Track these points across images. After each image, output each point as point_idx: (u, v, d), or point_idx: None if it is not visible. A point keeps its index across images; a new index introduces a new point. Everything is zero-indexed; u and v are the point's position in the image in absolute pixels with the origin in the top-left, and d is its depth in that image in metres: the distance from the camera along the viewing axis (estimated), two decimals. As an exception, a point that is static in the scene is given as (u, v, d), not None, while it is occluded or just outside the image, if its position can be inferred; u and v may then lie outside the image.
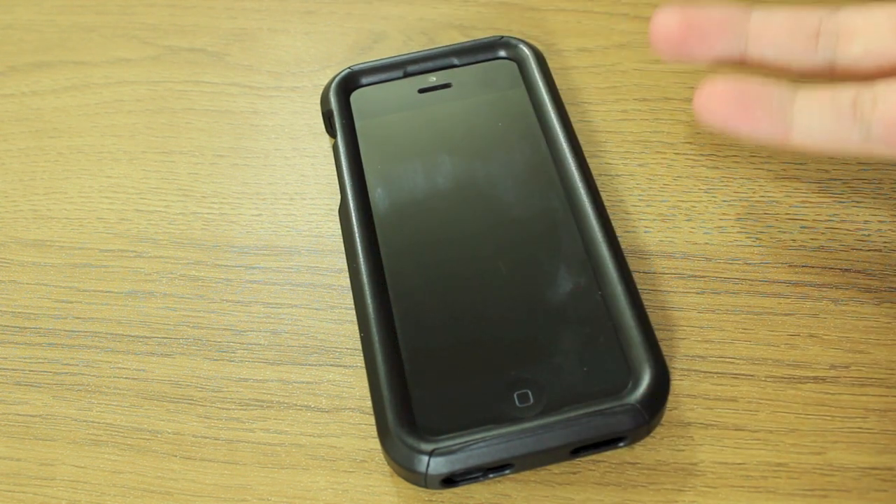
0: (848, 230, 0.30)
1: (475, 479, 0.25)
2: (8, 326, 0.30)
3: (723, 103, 0.24)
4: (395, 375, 0.26)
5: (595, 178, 0.30)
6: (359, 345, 0.28)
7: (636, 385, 0.25)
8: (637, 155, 0.32)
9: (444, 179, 0.31)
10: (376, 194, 0.30)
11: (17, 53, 0.39)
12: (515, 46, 0.34)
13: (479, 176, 0.30)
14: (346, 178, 0.31)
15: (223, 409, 0.28)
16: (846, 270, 0.29)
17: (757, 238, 0.30)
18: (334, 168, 0.32)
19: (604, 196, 0.30)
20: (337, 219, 0.31)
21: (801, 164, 0.32)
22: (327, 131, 0.33)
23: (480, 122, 0.32)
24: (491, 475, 0.25)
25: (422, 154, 0.31)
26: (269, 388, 0.28)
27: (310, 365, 0.29)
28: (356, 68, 0.34)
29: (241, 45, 0.38)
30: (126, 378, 0.29)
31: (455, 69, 0.34)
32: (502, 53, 0.34)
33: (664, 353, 0.26)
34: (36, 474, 0.27)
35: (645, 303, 0.27)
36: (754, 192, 0.31)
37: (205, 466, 0.27)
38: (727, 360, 0.27)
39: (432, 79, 0.33)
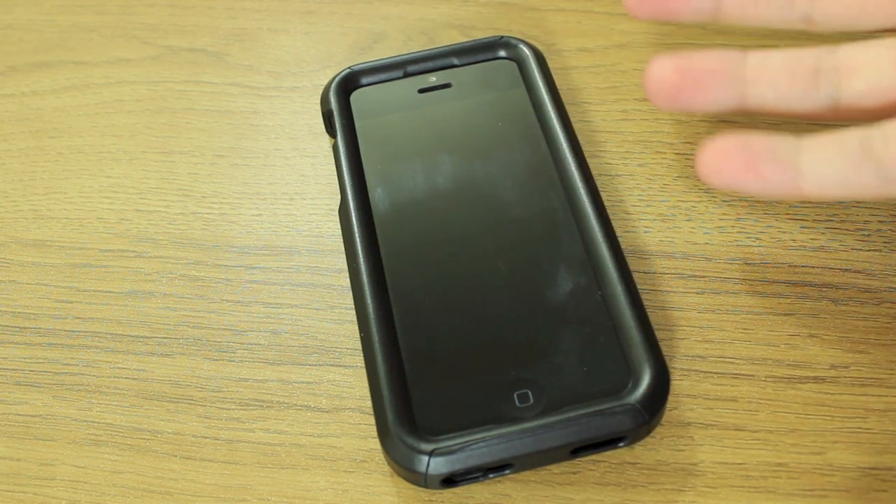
0: (848, 230, 0.30)
1: (475, 479, 0.25)
2: (8, 326, 0.30)
3: (727, 162, 0.23)
4: (395, 375, 0.26)
5: (595, 178, 0.30)
6: (359, 345, 0.28)
7: (636, 385, 0.25)
8: (637, 155, 0.32)
9: (444, 179, 0.31)
10: (376, 194, 0.30)
11: (17, 53, 0.39)
12: (515, 46, 0.34)
13: (479, 176, 0.31)
14: (346, 178, 0.31)
15: (223, 409, 0.28)
16: (846, 270, 0.29)
17: (757, 238, 0.30)
18: (334, 168, 0.32)
19: (604, 196, 0.30)
20: (337, 219, 0.31)
21: (801, 164, 0.32)
22: (327, 131, 0.33)
23: (480, 122, 0.32)
24: (491, 475, 0.25)
25: (422, 154, 0.31)
26: (269, 388, 0.28)
27: (310, 365, 0.29)
28: (356, 68, 0.34)
29: (241, 45, 0.38)
30: (126, 378, 0.29)
31: (455, 69, 0.34)
32: (502, 53, 0.34)
33: (664, 353, 0.26)
34: (36, 474, 0.27)
35: (645, 303, 0.27)
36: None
37: (205, 466, 0.27)
38: (727, 360, 0.27)
39: (432, 79, 0.33)
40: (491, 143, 0.31)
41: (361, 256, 0.28)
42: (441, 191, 0.30)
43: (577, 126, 0.32)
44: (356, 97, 0.33)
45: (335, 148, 0.32)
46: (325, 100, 0.33)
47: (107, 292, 0.31)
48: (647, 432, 0.25)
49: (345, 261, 0.30)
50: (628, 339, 0.26)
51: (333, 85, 0.33)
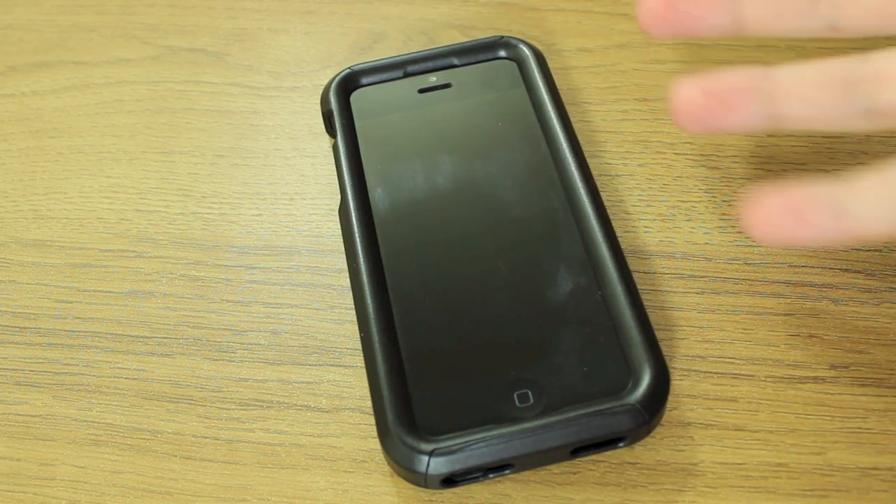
0: (848, 230, 0.30)
1: (475, 479, 0.25)
2: (8, 326, 0.30)
3: (777, 220, 0.23)
4: (395, 375, 0.26)
5: (595, 178, 0.30)
6: (359, 345, 0.28)
7: (636, 385, 0.25)
8: (637, 155, 0.32)
9: (445, 179, 0.31)
10: (376, 194, 0.30)
11: (17, 53, 0.39)
12: (515, 46, 0.34)
13: (479, 176, 0.31)
14: (346, 178, 0.31)
15: (223, 409, 0.28)
16: (846, 270, 0.29)
17: (757, 238, 0.30)
18: (334, 168, 0.32)
19: (604, 196, 0.30)
20: (337, 219, 0.31)
21: (801, 164, 0.32)
22: (327, 131, 0.33)
23: (480, 122, 0.32)
24: (491, 475, 0.25)
25: (422, 154, 0.31)
26: (269, 388, 0.28)
27: (310, 365, 0.29)
28: (356, 68, 0.34)
29: (241, 45, 0.38)
30: (126, 378, 0.29)
31: (455, 69, 0.34)
32: (502, 53, 0.34)
33: (664, 353, 0.26)
34: (36, 474, 0.27)
35: (645, 303, 0.27)
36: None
37: (205, 466, 0.27)
38: (727, 360, 0.27)
39: (432, 79, 0.33)
40: (491, 143, 0.31)
41: (361, 256, 0.28)
42: (441, 191, 0.30)
43: (577, 126, 0.32)
44: (356, 97, 0.33)
45: (335, 148, 0.32)
46: (325, 100, 0.33)
47: (107, 292, 0.31)
48: (647, 432, 0.25)
49: (345, 261, 0.30)
50: (628, 339, 0.26)
51: (333, 85, 0.33)
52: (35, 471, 0.27)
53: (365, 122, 0.32)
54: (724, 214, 0.31)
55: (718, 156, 0.32)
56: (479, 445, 0.24)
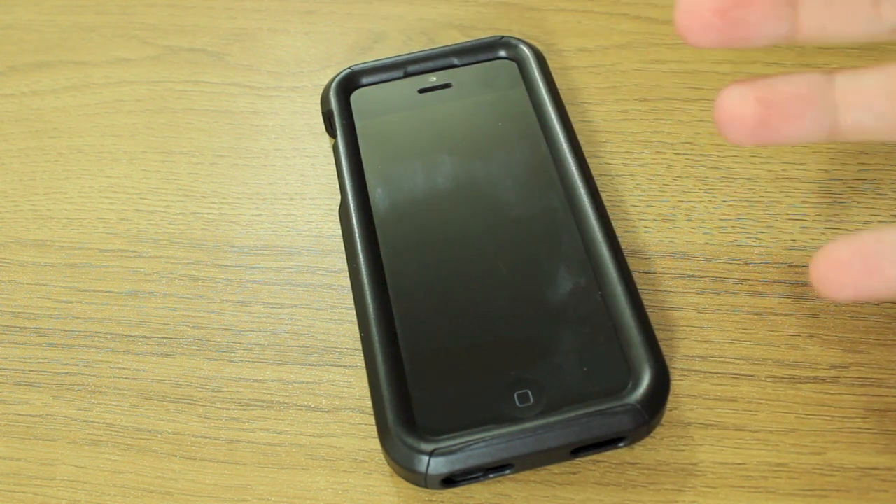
0: (848, 230, 0.30)
1: (475, 479, 0.25)
2: (8, 326, 0.30)
3: (847, 272, 0.21)
4: (395, 375, 0.26)
5: (595, 178, 0.30)
6: (359, 345, 0.28)
7: (636, 385, 0.25)
8: (637, 155, 0.32)
9: (445, 179, 0.31)
10: (376, 194, 0.30)
11: (17, 53, 0.39)
12: (515, 46, 0.34)
13: (479, 176, 0.30)
14: (346, 178, 0.31)
15: (223, 409, 0.28)
16: (846, 270, 0.29)
17: (757, 238, 0.30)
18: (334, 168, 0.32)
19: (604, 196, 0.30)
20: (337, 219, 0.31)
21: (801, 164, 0.32)
22: (327, 131, 0.33)
23: (480, 122, 0.32)
24: (491, 475, 0.25)
25: (422, 154, 0.31)
26: (269, 388, 0.28)
27: (310, 365, 0.29)
28: (356, 68, 0.34)
29: (241, 45, 0.38)
30: (126, 378, 0.29)
31: (455, 69, 0.34)
32: (502, 53, 0.34)
33: (664, 353, 0.26)
34: (36, 474, 0.27)
35: (645, 303, 0.27)
36: (754, 192, 0.31)
37: (205, 466, 0.27)
38: (727, 360, 0.27)
39: (432, 79, 0.33)
40: (491, 143, 0.31)
41: (361, 256, 0.28)
42: (441, 191, 0.30)
43: (577, 126, 0.32)
44: (356, 97, 0.33)
45: (335, 148, 0.32)
46: (325, 100, 0.33)
47: (107, 292, 0.31)
48: (647, 432, 0.25)
49: (345, 261, 0.30)
50: (628, 339, 0.26)
51: (333, 85, 0.33)
52: (35, 471, 0.27)
53: (365, 122, 0.32)
54: (724, 214, 0.31)
55: (718, 156, 0.32)
56: (479, 445, 0.24)
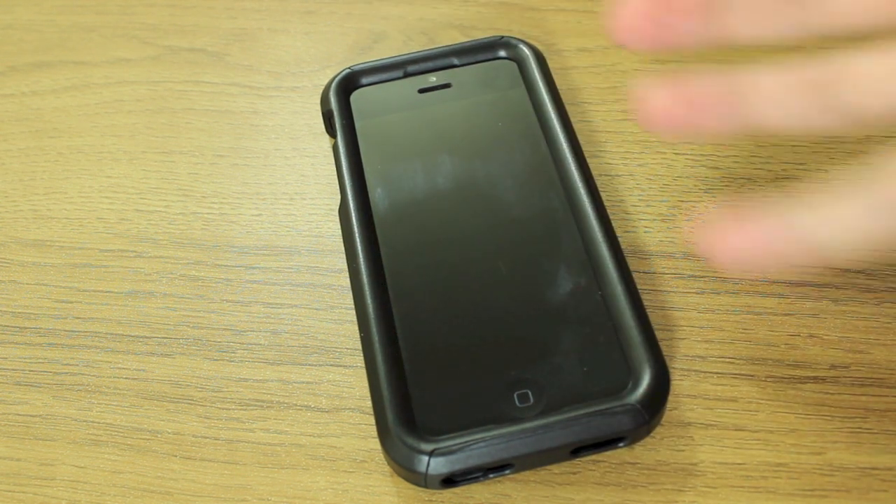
0: (848, 230, 0.30)
1: (475, 479, 0.25)
2: (8, 326, 0.30)
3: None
4: (395, 375, 0.26)
5: (595, 178, 0.30)
6: (359, 345, 0.28)
7: (636, 385, 0.25)
8: (637, 155, 0.32)
9: (445, 179, 0.31)
10: (376, 194, 0.30)
11: (17, 53, 0.39)
12: (515, 46, 0.34)
13: (479, 176, 0.31)
14: (346, 178, 0.31)
15: (223, 409, 0.28)
16: (846, 270, 0.29)
17: (757, 238, 0.30)
18: (334, 168, 0.32)
19: (604, 196, 0.30)
20: (337, 219, 0.31)
21: (800, 164, 0.32)
22: (327, 131, 0.33)
23: (480, 122, 0.32)
24: (491, 475, 0.25)
25: (422, 154, 0.31)
26: (269, 388, 0.28)
27: (310, 365, 0.29)
28: (356, 68, 0.34)
29: (241, 45, 0.38)
30: (126, 378, 0.29)
31: (455, 69, 0.34)
32: (502, 53, 0.34)
33: (664, 353, 0.26)
34: (36, 474, 0.27)
35: (645, 303, 0.27)
36: (754, 192, 0.31)
37: (205, 466, 0.27)
38: (727, 360, 0.27)
39: (432, 79, 0.33)
40: (491, 144, 0.31)
41: (361, 256, 0.28)
42: (441, 191, 0.30)
43: (577, 126, 0.32)
44: (356, 97, 0.33)
45: (335, 148, 0.32)
46: (325, 100, 0.33)
47: (107, 292, 0.31)
48: (647, 432, 0.25)
49: (345, 261, 0.30)
50: (628, 339, 0.26)
51: (333, 85, 0.33)
52: (35, 471, 0.27)
53: (365, 122, 0.32)
54: (724, 214, 0.31)
55: (718, 156, 0.32)
56: (479, 445, 0.24)
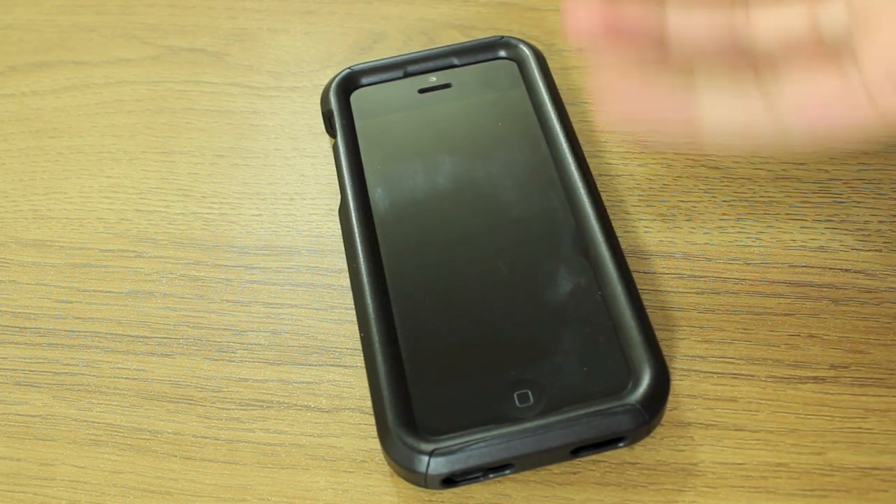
0: (848, 230, 0.30)
1: (475, 479, 0.25)
2: (8, 326, 0.30)
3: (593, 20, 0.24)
4: (395, 375, 0.26)
5: (595, 178, 0.30)
6: (359, 345, 0.28)
7: (636, 385, 0.25)
8: (637, 155, 0.32)
9: (445, 179, 0.31)
10: (376, 194, 0.30)
11: (17, 53, 0.39)
12: (515, 46, 0.34)
13: (479, 176, 0.31)
14: (346, 178, 0.31)
15: (223, 409, 0.28)
16: (846, 270, 0.29)
17: (757, 238, 0.30)
18: (334, 168, 0.32)
19: (604, 196, 0.30)
20: (337, 219, 0.31)
21: (801, 164, 0.32)
22: (327, 131, 0.33)
23: (480, 122, 0.32)
24: (491, 475, 0.25)
25: (422, 154, 0.31)
26: (269, 388, 0.28)
27: (310, 365, 0.29)
28: (356, 68, 0.34)
29: (241, 45, 0.38)
30: (126, 378, 0.29)
31: (455, 69, 0.34)
32: (502, 53, 0.34)
33: (664, 353, 0.26)
34: (36, 474, 0.27)
35: (645, 303, 0.27)
36: (754, 192, 0.31)
37: (205, 466, 0.27)
38: (727, 360, 0.27)
39: (432, 79, 0.33)
40: (491, 144, 0.31)
41: (361, 256, 0.28)
42: (441, 191, 0.30)
43: (577, 126, 0.32)
44: (356, 97, 0.33)
45: (335, 148, 0.32)
46: (325, 100, 0.33)
47: (107, 292, 0.31)
48: (647, 432, 0.25)
49: (345, 261, 0.30)
50: (628, 339, 0.26)
51: (333, 85, 0.33)
52: (35, 471, 0.27)
53: (365, 122, 0.32)
54: (724, 214, 0.31)
55: (718, 156, 0.32)
56: (479, 445, 0.24)
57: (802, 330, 0.28)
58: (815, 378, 0.27)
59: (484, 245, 0.29)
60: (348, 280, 0.29)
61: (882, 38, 0.22)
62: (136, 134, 0.35)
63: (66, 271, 0.32)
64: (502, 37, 0.34)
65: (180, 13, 0.39)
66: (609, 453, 0.26)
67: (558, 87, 0.33)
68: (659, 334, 0.27)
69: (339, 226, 0.31)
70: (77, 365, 0.29)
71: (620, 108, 0.24)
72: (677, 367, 0.27)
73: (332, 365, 0.29)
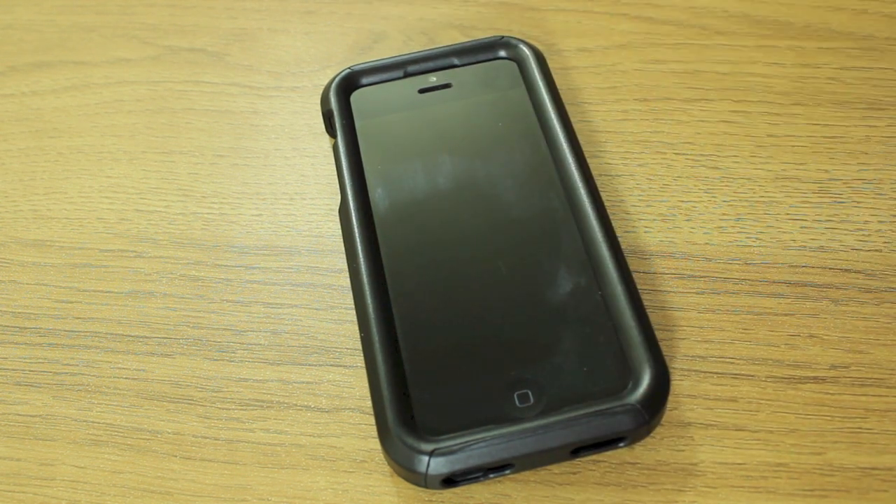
0: (848, 230, 0.30)
1: (475, 479, 0.25)
2: (8, 326, 0.30)
3: None
4: (395, 375, 0.26)
5: (595, 178, 0.30)
6: (359, 345, 0.28)
7: (636, 385, 0.25)
8: (637, 155, 0.32)
9: (445, 179, 0.31)
10: (376, 194, 0.30)
11: (17, 53, 0.39)
12: (516, 46, 0.34)
13: (479, 176, 0.30)
14: (346, 178, 0.31)
15: (223, 409, 0.28)
16: (846, 270, 0.29)
17: (757, 238, 0.30)
18: (334, 168, 0.32)
19: (604, 196, 0.30)
20: (337, 219, 0.31)
21: (801, 164, 0.32)
22: (327, 131, 0.33)
23: (481, 122, 0.32)
24: (491, 475, 0.25)
25: (422, 154, 0.31)
26: (269, 388, 0.28)
27: (310, 365, 0.29)
28: (356, 68, 0.34)
29: (241, 45, 0.38)
30: (126, 378, 0.29)
31: (455, 69, 0.34)
32: (502, 53, 0.34)
33: (664, 353, 0.26)
34: (36, 474, 0.27)
35: (645, 303, 0.27)
36: (754, 192, 0.31)
37: (205, 466, 0.27)
38: (727, 360, 0.27)
39: (432, 79, 0.33)
40: (491, 144, 0.31)
41: (361, 256, 0.28)
42: (441, 191, 0.30)
43: (577, 126, 0.32)
44: (356, 97, 0.33)
45: (335, 148, 0.32)
46: (325, 100, 0.33)
47: (107, 292, 0.31)
48: (647, 432, 0.25)
49: (345, 261, 0.30)
50: (628, 339, 0.26)
51: (333, 85, 0.33)
52: (35, 471, 0.27)
53: (365, 122, 0.32)
54: (724, 214, 0.31)
55: (718, 156, 0.32)
56: (479, 445, 0.24)
57: (802, 330, 0.28)
58: (815, 378, 0.27)
59: (484, 245, 0.29)
60: (348, 280, 0.29)
61: None
62: (136, 134, 0.35)
63: (66, 271, 0.32)
64: (502, 37, 0.34)
65: (180, 13, 0.39)
66: (609, 453, 0.26)
67: (558, 87, 0.33)
68: (659, 334, 0.27)
69: (339, 226, 0.31)
70: (77, 365, 0.29)
71: None
72: (677, 367, 0.27)
73: (332, 365, 0.29)
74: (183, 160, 0.34)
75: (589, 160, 0.31)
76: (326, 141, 0.34)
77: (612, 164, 0.32)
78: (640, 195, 0.31)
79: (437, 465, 0.24)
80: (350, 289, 0.29)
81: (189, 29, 0.39)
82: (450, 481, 0.25)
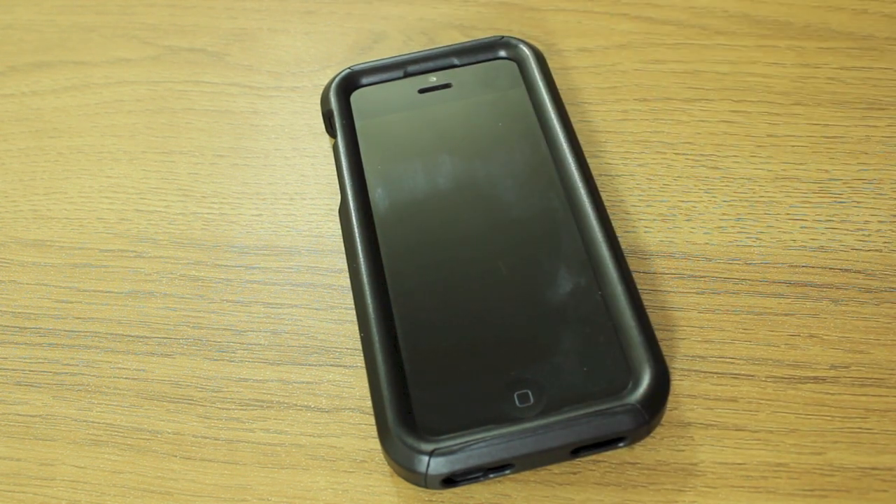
0: (848, 230, 0.30)
1: (475, 479, 0.25)
2: (8, 326, 0.30)
3: None
4: (395, 375, 0.26)
5: (595, 178, 0.30)
6: (359, 345, 0.28)
7: (636, 385, 0.25)
8: (637, 155, 0.32)
9: (445, 179, 0.31)
10: (376, 194, 0.30)
11: (17, 53, 0.39)
12: (516, 46, 0.34)
13: (479, 176, 0.31)
14: (346, 178, 0.31)
15: (223, 409, 0.28)
16: (846, 270, 0.29)
17: (757, 238, 0.30)
18: (334, 168, 0.32)
19: (604, 196, 0.30)
20: (337, 219, 0.31)
21: (800, 164, 0.32)
22: (327, 131, 0.33)
23: (480, 122, 0.32)
24: (491, 475, 0.25)
25: (422, 154, 0.31)
26: (269, 388, 0.28)
27: (310, 365, 0.29)
28: (356, 68, 0.34)
29: (241, 45, 0.38)
30: (126, 378, 0.29)
31: (455, 69, 0.34)
32: (502, 53, 0.34)
33: (664, 353, 0.26)
34: (36, 474, 0.27)
35: (645, 303, 0.27)
36: (754, 192, 0.31)
37: (205, 466, 0.27)
38: (727, 360, 0.27)
39: (432, 79, 0.33)
40: (491, 144, 0.31)
41: (361, 256, 0.28)
42: (441, 191, 0.30)
43: (577, 126, 0.32)
44: (356, 97, 0.33)
45: (335, 148, 0.32)
46: (325, 100, 0.33)
47: (107, 292, 0.31)
48: (648, 432, 0.25)
49: (345, 261, 0.30)
50: (628, 339, 0.26)
51: (333, 85, 0.33)
52: (35, 471, 0.27)
53: (365, 122, 0.32)
54: (724, 214, 0.31)
55: (718, 156, 0.32)
56: (479, 445, 0.24)
57: (802, 330, 0.28)
58: (815, 378, 0.27)
59: (484, 245, 0.29)
60: (348, 280, 0.29)
61: None
62: (136, 134, 0.35)
63: (66, 271, 0.32)
64: (502, 37, 0.34)
65: (180, 13, 0.39)
66: (609, 453, 0.26)
67: (558, 87, 0.33)
68: (659, 334, 0.27)
69: (339, 226, 0.31)
70: (77, 365, 0.29)
71: None
72: (677, 367, 0.27)
73: (332, 365, 0.29)
74: (183, 160, 0.34)
75: (589, 160, 0.31)
76: (326, 141, 0.34)
77: (612, 164, 0.32)
78: (640, 195, 0.31)
79: (437, 465, 0.24)
80: (350, 289, 0.29)
81: (189, 29, 0.39)
82: (450, 481, 0.25)
